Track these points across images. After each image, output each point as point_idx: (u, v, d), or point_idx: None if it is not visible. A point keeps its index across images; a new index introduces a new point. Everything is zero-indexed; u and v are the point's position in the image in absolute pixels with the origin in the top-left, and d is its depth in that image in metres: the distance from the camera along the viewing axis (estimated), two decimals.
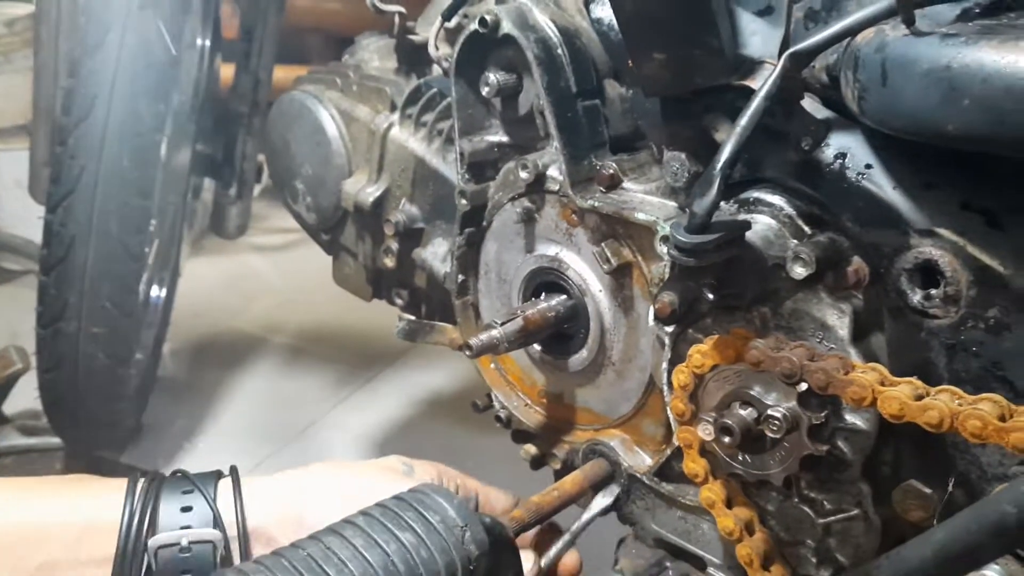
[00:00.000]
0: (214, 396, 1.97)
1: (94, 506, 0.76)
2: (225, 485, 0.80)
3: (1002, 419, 0.59)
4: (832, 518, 0.76)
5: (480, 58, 0.93)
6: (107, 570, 0.74)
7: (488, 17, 0.89)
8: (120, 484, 0.78)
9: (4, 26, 2.58)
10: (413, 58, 1.22)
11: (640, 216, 0.82)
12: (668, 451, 0.88)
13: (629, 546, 0.95)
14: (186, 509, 0.77)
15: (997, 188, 0.64)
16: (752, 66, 0.73)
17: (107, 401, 1.58)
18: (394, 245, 1.18)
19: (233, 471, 0.81)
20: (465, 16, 0.99)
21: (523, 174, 0.91)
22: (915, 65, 0.59)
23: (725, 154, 0.66)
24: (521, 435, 1.05)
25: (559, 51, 0.88)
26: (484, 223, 1.00)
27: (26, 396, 1.69)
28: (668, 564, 0.92)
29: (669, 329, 0.81)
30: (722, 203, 0.75)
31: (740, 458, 0.77)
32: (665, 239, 0.79)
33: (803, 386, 0.70)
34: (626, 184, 0.86)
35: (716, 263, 0.68)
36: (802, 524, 0.78)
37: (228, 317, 2.34)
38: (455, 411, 1.89)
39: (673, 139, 0.80)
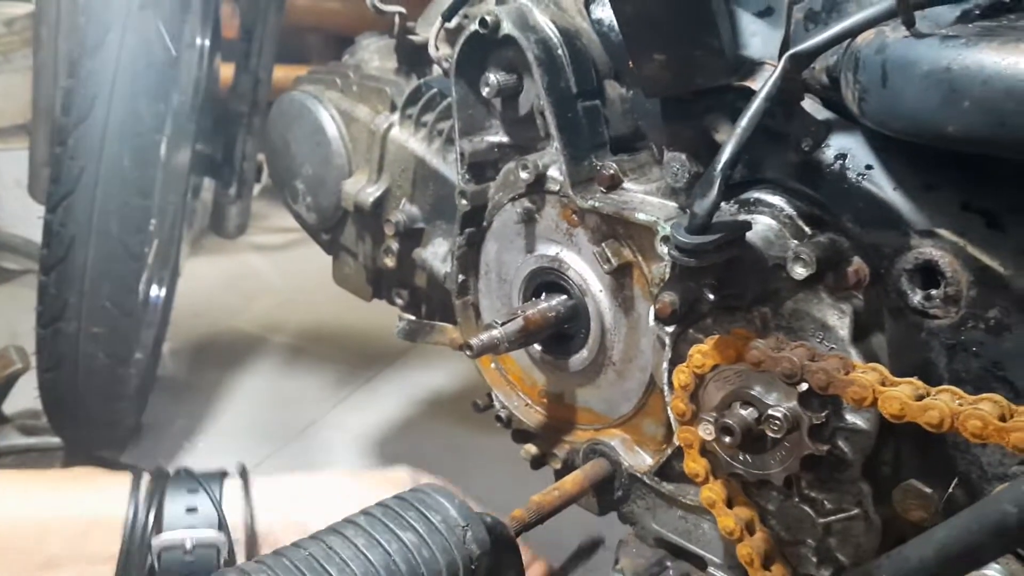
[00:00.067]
0: (214, 396, 1.97)
1: (99, 500, 0.76)
2: (230, 485, 0.80)
3: (1002, 419, 0.60)
4: (833, 518, 0.76)
5: (480, 58, 0.94)
6: (111, 567, 0.74)
7: (488, 18, 0.89)
8: (125, 478, 0.78)
9: (3, 25, 2.57)
10: (413, 58, 1.22)
11: (641, 216, 0.82)
12: (669, 451, 0.88)
13: (630, 546, 0.95)
14: (191, 510, 0.77)
15: (997, 189, 0.64)
16: (752, 67, 0.73)
17: (107, 401, 1.57)
18: (394, 245, 1.18)
19: (243, 475, 0.81)
20: (465, 16, 0.99)
21: (523, 174, 0.91)
22: (915, 66, 0.59)
23: (726, 155, 0.66)
24: (521, 435, 1.05)
25: (559, 52, 0.88)
26: (484, 223, 1.00)
27: (26, 396, 1.69)
28: (669, 564, 0.92)
29: (670, 329, 0.81)
30: (722, 204, 0.75)
31: (741, 458, 0.77)
32: (666, 239, 0.80)
33: (804, 386, 0.70)
34: (626, 184, 0.86)
35: (717, 263, 0.69)
36: (803, 524, 0.78)
37: (228, 317, 2.33)
38: (455, 411, 1.89)
39: (673, 140, 0.80)
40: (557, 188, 0.90)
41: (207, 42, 1.66)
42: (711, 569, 0.88)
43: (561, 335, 0.94)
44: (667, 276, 0.81)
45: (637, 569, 0.93)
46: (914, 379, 0.65)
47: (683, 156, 0.79)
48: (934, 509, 0.71)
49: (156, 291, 1.71)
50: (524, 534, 0.83)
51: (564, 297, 0.93)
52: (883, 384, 0.65)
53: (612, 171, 0.86)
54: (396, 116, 1.18)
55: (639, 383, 0.91)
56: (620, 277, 0.88)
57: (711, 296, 0.75)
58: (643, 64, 0.75)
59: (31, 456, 1.76)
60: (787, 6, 0.70)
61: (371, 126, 1.20)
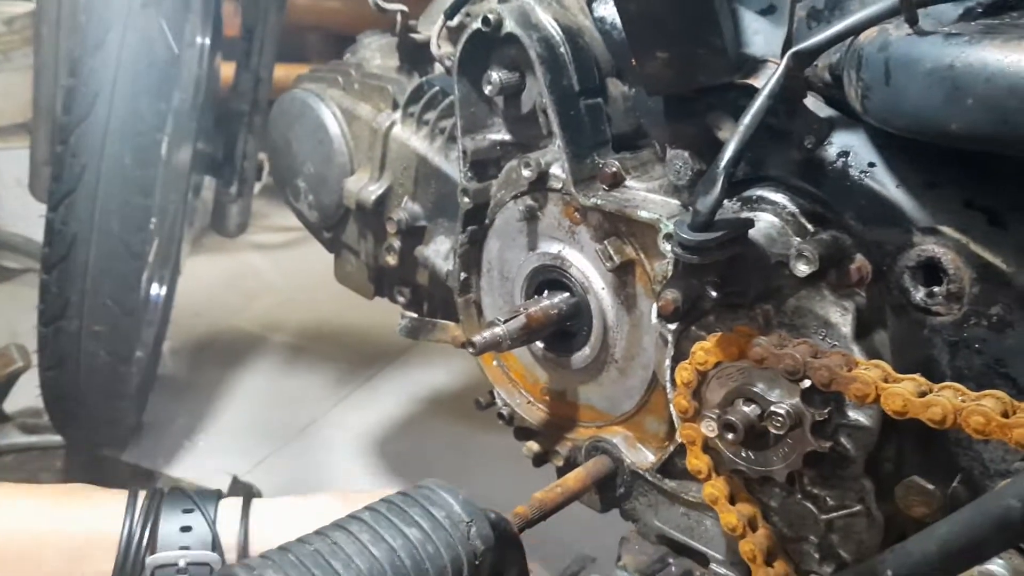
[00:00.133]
0: (214, 394, 1.97)
1: (95, 518, 0.76)
2: (225, 505, 0.79)
3: (1005, 415, 0.60)
4: (835, 514, 0.76)
5: (483, 57, 0.94)
6: None
7: (491, 16, 0.89)
8: (120, 496, 0.78)
9: (4, 24, 2.57)
10: (415, 56, 1.22)
11: (643, 214, 0.83)
12: (671, 448, 0.89)
13: (632, 542, 0.95)
14: (185, 529, 0.77)
15: (1000, 186, 0.64)
16: (755, 65, 0.73)
17: (108, 399, 1.58)
18: (396, 243, 1.18)
19: (246, 499, 0.81)
20: (468, 15, 0.99)
21: (526, 172, 0.91)
22: (918, 64, 0.59)
23: (728, 152, 0.67)
24: (523, 432, 1.05)
25: (562, 50, 0.88)
26: (487, 221, 1.00)
27: (27, 394, 1.69)
28: (671, 560, 0.93)
29: (672, 326, 0.81)
30: (725, 201, 0.75)
31: (743, 454, 0.78)
32: (668, 237, 0.80)
33: (806, 383, 0.70)
34: (629, 182, 0.86)
35: (719, 261, 0.69)
36: (805, 520, 0.78)
37: (228, 315, 2.33)
38: (457, 409, 1.89)
39: (676, 137, 0.80)
40: (559, 186, 0.90)
41: (208, 41, 1.66)
42: (713, 566, 0.88)
43: (563, 333, 0.95)
44: (670, 273, 0.81)
45: (640, 565, 0.94)
46: (917, 376, 0.65)
47: (686, 154, 0.79)
48: (936, 506, 0.71)
49: (157, 289, 1.71)
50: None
51: (566, 295, 0.93)
52: (886, 381, 0.65)
53: (614, 169, 0.86)
54: (398, 114, 1.18)
55: (641, 380, 0.91)
56: (622, 275, 0.88)
57: (714, 293, 0.75)
58: (646, 62, 0.75)
59: (32, 454, 1.76)
60: (790, 4, 0.70)
61: (373, 124, 1.20)
